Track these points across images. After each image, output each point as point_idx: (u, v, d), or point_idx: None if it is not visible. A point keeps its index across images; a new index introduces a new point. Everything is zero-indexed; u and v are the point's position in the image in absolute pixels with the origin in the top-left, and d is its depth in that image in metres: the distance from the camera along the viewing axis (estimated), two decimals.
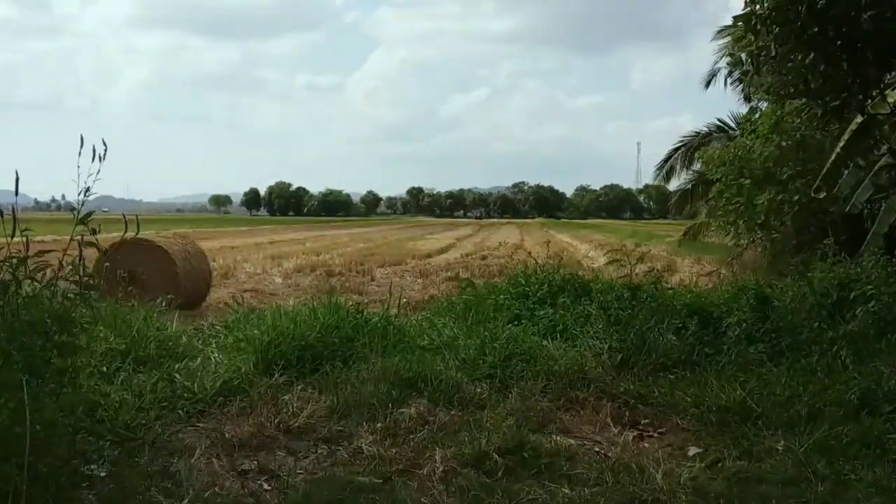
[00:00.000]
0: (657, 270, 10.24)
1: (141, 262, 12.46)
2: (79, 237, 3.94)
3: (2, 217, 3.72)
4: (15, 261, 3.69)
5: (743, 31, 8.48)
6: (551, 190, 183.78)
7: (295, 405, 5.42)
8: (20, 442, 3.32)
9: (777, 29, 7.70)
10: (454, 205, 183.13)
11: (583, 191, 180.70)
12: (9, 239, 3.70)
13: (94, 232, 3.95)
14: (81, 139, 3.87)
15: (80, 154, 3.86)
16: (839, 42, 7.73)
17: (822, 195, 11.69)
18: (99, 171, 3.90)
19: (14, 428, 3.38)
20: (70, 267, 3.97)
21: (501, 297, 8.53)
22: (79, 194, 3.92)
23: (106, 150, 3.92)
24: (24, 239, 3.78)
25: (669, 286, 8.92)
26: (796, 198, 14.21)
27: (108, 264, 6.01)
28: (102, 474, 4.18)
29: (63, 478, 3.68)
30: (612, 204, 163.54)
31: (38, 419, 3.48)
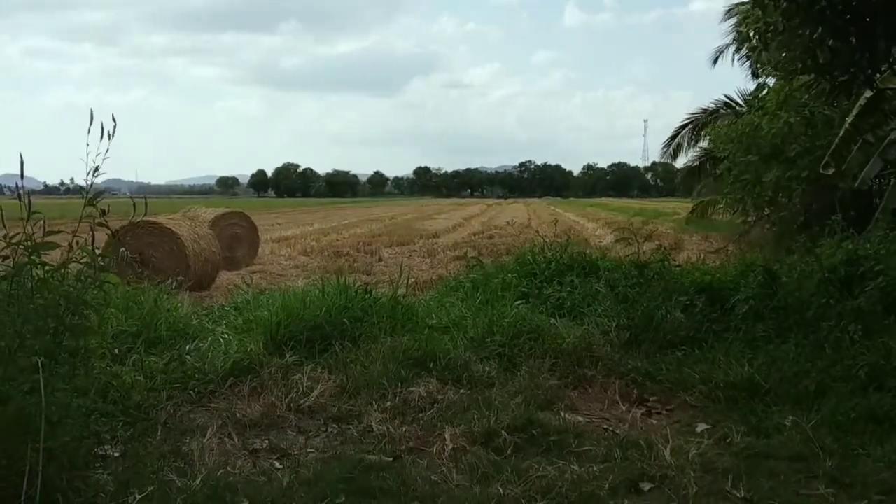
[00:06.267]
0: (664, 248, 10.26)
1: (151, 244, 12.59)
2: (90, 219, 3.91)
3: (19, 200, 3.73)
4: (29, 244, 3.70)
5: (751, 6, 8.41)
6: (558, 169, 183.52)
7: (305, 385, 5.45)
8: (35, 423, 3.36)
9: (785, 4, 7.64)
10: (461, 184, 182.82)
11: (589, 169, 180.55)
12: (24, 223, 3.70)
13: (103, 213, 3.92)
14: (91, 113, 3.73)
15: (88, 131, 3.73)
16: (848, 16, 7.66)
17: (830, 171, 11.63)
18: (108, 149, 3.78)
19: (29, 409, 3.42)
20: (80, 249, 3.98)
21: (509, 275, 8.49)
22: (87, 174, 3.86)
23: (115, 127, 3.77)
24: (39, 223, 3.76)
25: (677, 264, 8.88)
26: (804, 174, 14.19)
27: (122, 248, 6.04)
28: (116, 454, 4.23)
29: (77, 458, 3.73)
30: (620, 182, 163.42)
31: (52, 401, 3.52)
